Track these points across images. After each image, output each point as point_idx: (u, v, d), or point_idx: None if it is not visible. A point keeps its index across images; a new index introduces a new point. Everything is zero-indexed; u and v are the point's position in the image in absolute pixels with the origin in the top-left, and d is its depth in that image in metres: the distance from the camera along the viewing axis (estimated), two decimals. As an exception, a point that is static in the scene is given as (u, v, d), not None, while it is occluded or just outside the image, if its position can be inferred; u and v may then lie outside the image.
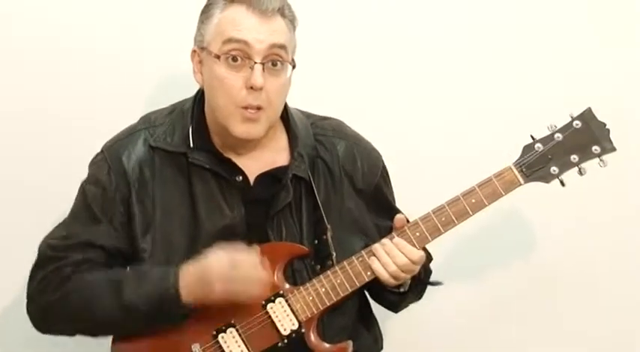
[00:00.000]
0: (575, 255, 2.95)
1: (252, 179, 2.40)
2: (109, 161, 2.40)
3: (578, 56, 2.90)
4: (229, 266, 2.26)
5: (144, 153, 2.39)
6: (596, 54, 2.90)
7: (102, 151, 2.44)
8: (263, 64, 2.30)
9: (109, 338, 2.44)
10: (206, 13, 2.37)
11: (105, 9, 2.82)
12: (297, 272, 2.40)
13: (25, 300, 2.42)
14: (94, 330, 2.40)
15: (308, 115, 2.51)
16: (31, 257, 2.42)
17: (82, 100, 2.82)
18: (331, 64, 2.87)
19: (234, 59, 2.31)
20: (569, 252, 2.94)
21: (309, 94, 2.54)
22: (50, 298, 2.35)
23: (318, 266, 2.39)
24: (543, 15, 2.90)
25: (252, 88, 2.29)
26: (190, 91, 2.47)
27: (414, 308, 2.59)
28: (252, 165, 2.41)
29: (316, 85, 2.73)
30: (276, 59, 2.32)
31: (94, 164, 2.43)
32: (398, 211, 2.51)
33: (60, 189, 2.64)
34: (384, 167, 2.52)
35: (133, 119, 2.49)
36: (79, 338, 2.75)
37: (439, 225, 2.35)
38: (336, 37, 2.87)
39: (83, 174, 2.45)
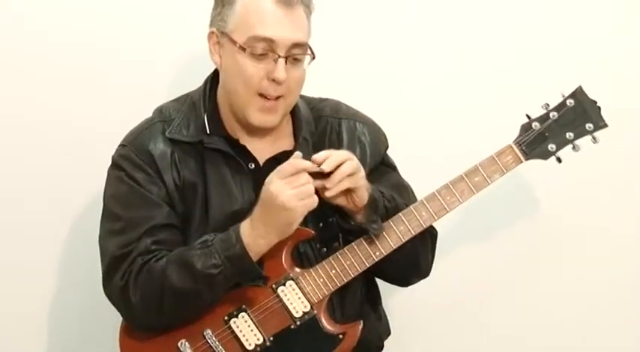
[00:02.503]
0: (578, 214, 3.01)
1: (261, 163, 2.43)
2: (136, 152, 2.40)
3: (576, 46, 2.97)
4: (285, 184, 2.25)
5: (165, 143, 2.41)
6: (595, 44, 2.98)
7: (124, 145, 2.43)
8: (286, 58, 2.33)
9: (116, 327, 2.45)
10: None
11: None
12: (304, 255, 2.43)
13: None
14: (187, 314, 2.36)
15: (307, 100, 2.54)
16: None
17: (90, 97, 2.86)
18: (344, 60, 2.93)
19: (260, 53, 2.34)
20: (571, 210, 3.01)
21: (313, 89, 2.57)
22: (133, 298, 2.33)
23: (325, 249, 2.42)
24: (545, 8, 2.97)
25: (274, 80, 2.33)
26: (197, 81, 2.51)
27: (417, 293, 2.68)
28: (261, 150, 2.44)
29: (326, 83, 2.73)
30: (298, 54, 2.36)
31: (124, 158, 2.40)
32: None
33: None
34: (386, 137, 2.57)
35: (143, 111, 2.52)
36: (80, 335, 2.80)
37: (444, 204, 2.40)
38: (346, 34, 2.93)
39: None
